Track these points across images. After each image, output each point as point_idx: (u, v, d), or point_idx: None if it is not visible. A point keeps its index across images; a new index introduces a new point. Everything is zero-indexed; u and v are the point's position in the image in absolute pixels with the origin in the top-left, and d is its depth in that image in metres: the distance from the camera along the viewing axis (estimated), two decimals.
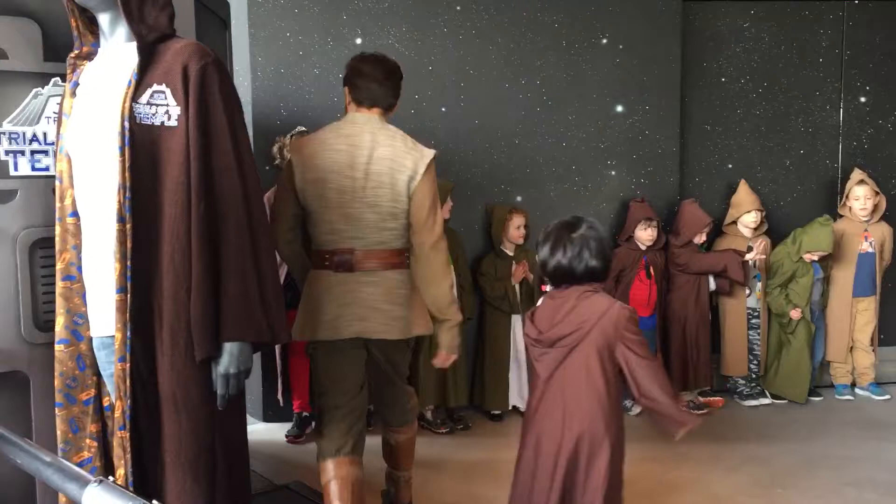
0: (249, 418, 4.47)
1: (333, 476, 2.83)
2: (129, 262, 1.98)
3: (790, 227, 5.15)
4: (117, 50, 2.11)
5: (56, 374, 2.16)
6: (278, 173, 3.80)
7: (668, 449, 3.98)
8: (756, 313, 5.09)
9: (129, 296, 1.98)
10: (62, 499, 2.18)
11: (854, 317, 5.21)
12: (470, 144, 4.86)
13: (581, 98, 5.00)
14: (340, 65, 4.60)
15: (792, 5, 5.37)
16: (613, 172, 5.08)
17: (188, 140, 1.99)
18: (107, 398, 2.20)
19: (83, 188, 2.10)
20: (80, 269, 2.16)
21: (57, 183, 2.18)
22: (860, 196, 5.11)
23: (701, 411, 4.83)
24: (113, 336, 2.02)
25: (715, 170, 5.40)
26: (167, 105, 2.00)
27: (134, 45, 2.03)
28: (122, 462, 2.03)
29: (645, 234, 4.84)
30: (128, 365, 1.99)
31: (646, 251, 4.86)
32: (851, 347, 5.26)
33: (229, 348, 2.03)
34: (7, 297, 2.32)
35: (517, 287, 4.70)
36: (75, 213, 2.16)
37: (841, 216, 5.28)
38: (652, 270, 4.85)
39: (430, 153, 2.91)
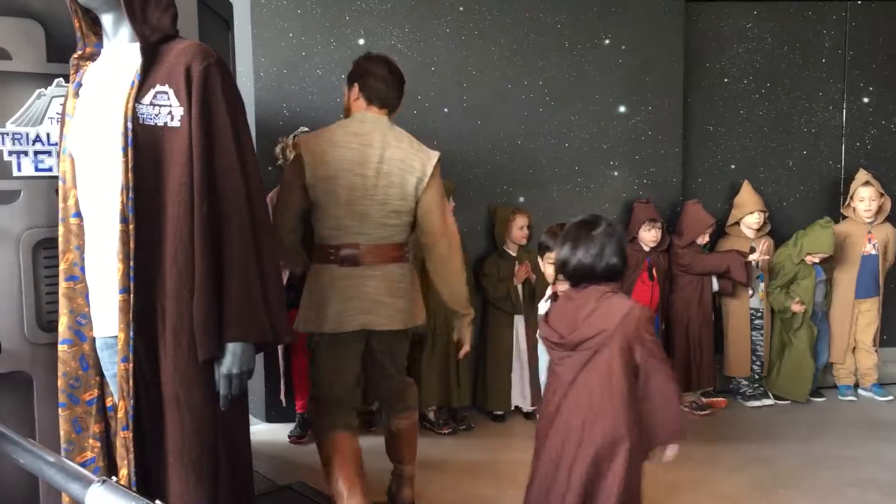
0: (252, 419, 4.47)
1: (336, 450, 2.98)
2: (132, 263, 1.98)
3: (793, 228, 5.15)
4: (120, 51, 2.11)
5: (59, 374, 2.17)
6: (281, 174, 3.80)
7: None
8: (759, 314, 5.09)
9: (131, 296, 1.99)
10: (65, 499, 2.19)
11: (857, 318, 5.21)
12: (472, 145, 4.86)
13: (583, 98, 5.00)
14: (343, 65, 4.62)
15: (795, 6, 5.37)
16: (616, 173, 5.08)
17: (191, 140, 2.00)
18: (110, 398, 2.21)
19: (86, 189, 2.11)
20: (83, 269, 2.17)
21: (60, 183, 2.19)
22: (865, 197, 5.10)
23: (704, 412, 4.83)
24: (116, 336, 2.02)
25: (717, 170, 5.40)
26: (170, 106, 2.01)
27: (137, 45, 2.04)
28: (125, 462, 2.04)
29: (649, 236, 4.84)
30: (131, 365, 2.00)
31: (649, 252, 4.86)
32: (854, 348, 5.26)
33: (232, 349, 2.03)
34: (10, 298, 2.32)
35: (520, 287, 4.70)
36: (78, 214, 2.16)
37: (845, 217, 5.27)
38: (654, 272, 4.85)
39: (435, 155, 3.01)
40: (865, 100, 5.47)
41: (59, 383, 2.17)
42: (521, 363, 4.72)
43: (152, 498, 1.28)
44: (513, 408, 4.80)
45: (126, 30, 2.10)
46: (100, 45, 2.20)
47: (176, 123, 2.01)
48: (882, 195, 5.13)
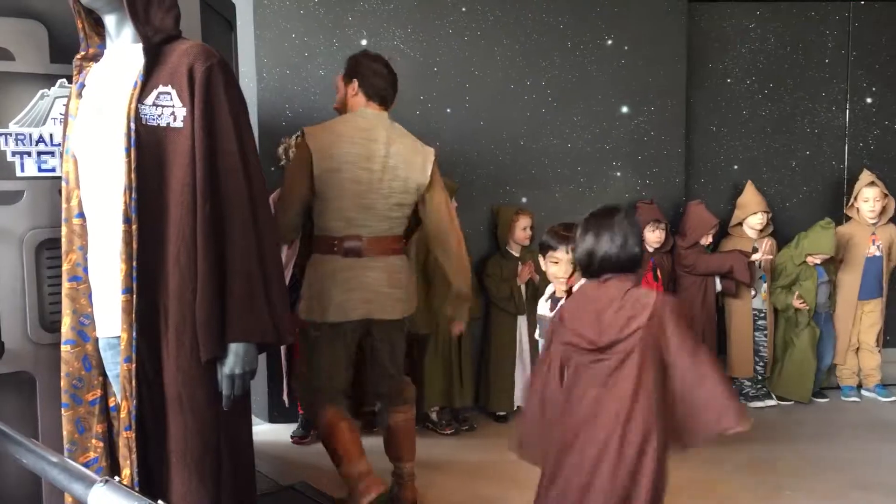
0: (255, 419, 4.47)
1: (338, 418, 3.14)
2: (134, 263, 1.98)
3: (796, 229, 5.14)
4: (123, 51, 2.12)
5: (62, 374, 2.17)
6: (283, 174, 3.80)
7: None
8: (762, 314, 5.08)
9: (134, 296, 1.99)
10: (68, 499, 2.19)
11: (860, 318, 5.20)
12: (475, 145, 4.86)
13: (586, 99, 4.99)
14: None
15: (798, 6, 5.36)
16: (619, 173, 5.08)
17: (194, 141, 2.00)
18: (113, 398, 2.21)
19: (89, 189, 2.11)
20: (86, 269, 2.17)
21: (63, 184, 2.19)
22: (870, 198, 5.08)
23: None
24: (119, 337, 2.03)
25: (720, 171, 5.40)
26: (173, 106, 2.01)
27: (140, 46, 2.04)
28: (128, 462, 2.04)
29: (653, 237, 4.84)
30: (133, 365, 2.00)
31: (653, 253, 4.86)
32: (858, 349, 5.25)
33: (235, 349, 2.03)
34: (13, 298, 2.33)
35: (523, 288, 4.70)
36: (81, 214, 2.17)
37: (848, 218, 5.27)
38: (659, 273, 4.84)
39: (431, 151, 3.17)
40: (868, 100, 5.46)
41: (62, 384, 2.17)
42: (523, 363, 4.72)
43: (155, 498, 1.28)
44: (515, 408, 4.79)
45: (129, 30, 2.10)
46: (103, 45, 2.20)
47: (179, 124, 2.01)
48: (886, 196, 5.12)
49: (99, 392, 2.21)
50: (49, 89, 2.36)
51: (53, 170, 2.36)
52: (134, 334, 2.00)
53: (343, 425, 3.14)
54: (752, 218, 5.03)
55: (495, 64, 4.86)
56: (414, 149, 3.13)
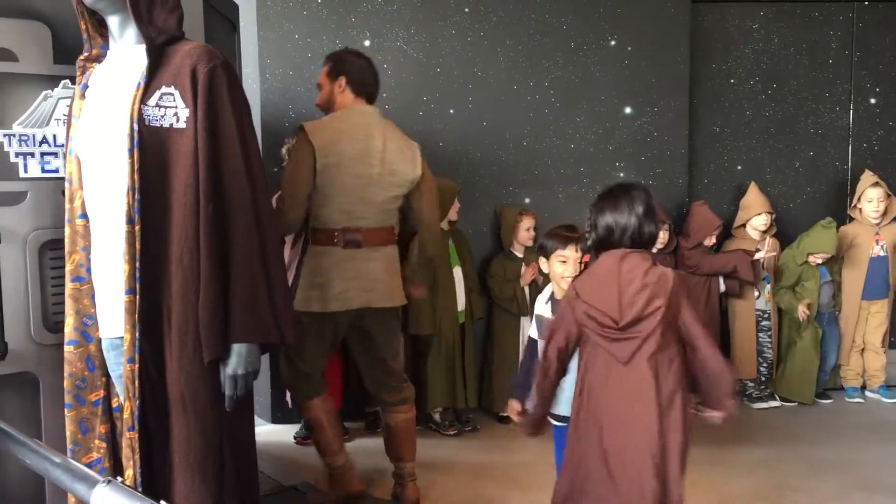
0: (258, 419, 4.48)
1: (322, 410, 3.35)
2: (137, 264, 1.99)
3: (799, 230, 5.13)
4: (126, 52, 2.12)
5: (65, 375, 2.17)
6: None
7: None
8: (766, 315, 5.07)
9: (137, 297, 1.99)
10: (71, 499, 2.19)
11: (866, 319, 5.19)
12: (478, 146, 4.87)
13: (589, 99, 4.99)
14: None
15: (801, 6, 5.36)
16: (622, 174, 5.07)
17: (197, 142, 2.00)
18: (116, 399, 2.21)
19: (92, 190, 2.11)
20: (89, 270, 2.17)
21: (66, 185, 2.19)
22: (874, 198, 5.07)
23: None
24: (122, 337, 2.03)
25: (724, 171, 5.39)
26: (176, 107, 2.01)
27: (143, 47, 2.04)
28: (131, 463, 2.04)
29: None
30: (136, 366, 2.00)
31: (656, 254, 4.84)
32: (863, 349, 5.24)
33: (237, 349, 2.03)
34: (17, 299, 2.33)
35: (526, 289, 4.70)
36: (85, 215, 2.17)
37: (852, 219, 5.26)
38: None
39: (416, 144, 3.33)
40: (872, 101, 5.45)
41: (66, 384, 2.18)
42: None
43: (157, 498, 1.28)
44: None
45: (132, 31, 2.10)
46: (106, 46, 2.20)
47: (182, 125, 2.01)
48: (889, 196, 5.11)
49: (102, 392, 2.21)
50: (52, 90, 2.37)
51: (57, 171, 2.36)
52: (137, 335, 2.00)
53: (325, 420, 3.35)
54: (756, 219, 5.02)
55: (498, 64, 4.86)
56: (405, 144, 3.26)
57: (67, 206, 2.19)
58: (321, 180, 3.04)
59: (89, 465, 2.15)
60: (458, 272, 4.58)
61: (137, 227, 1.98)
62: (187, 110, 2.01)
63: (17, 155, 2.33)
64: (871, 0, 5.39)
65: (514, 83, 4.89)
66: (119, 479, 1.36)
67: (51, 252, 2.36)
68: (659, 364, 2.36)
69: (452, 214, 4.55)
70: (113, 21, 2.12)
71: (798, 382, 5.05)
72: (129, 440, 2.04)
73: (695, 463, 3.97)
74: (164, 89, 2.02)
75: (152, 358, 2.02)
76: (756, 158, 5.39)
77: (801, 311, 4.95)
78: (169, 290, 2.02)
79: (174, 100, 2.01)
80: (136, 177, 1.98)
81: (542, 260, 2.95)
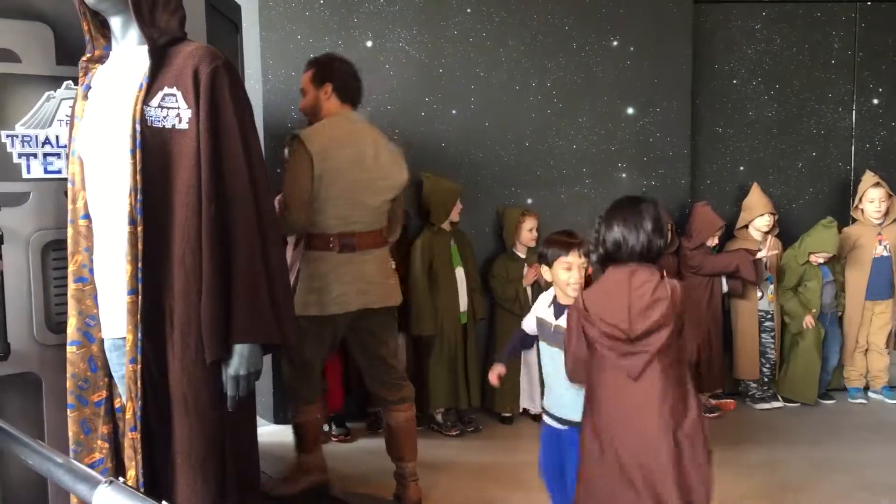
0: (260, 420, 4.48)
1: (313, 417, 3.49)
2: (140, 265, 1.99)
3: (802, 230, 5.12)
4: (129, 53, 2.12)
5: (68, 375, 2.18)
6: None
7: None
8: (769, 316, 5.06)
9: (140, 297, 1.99)
10: (73, 500, 2.19)
11: (871, 320, 5.18)
12: (480, 146, 4.87)
13: (592, 100, 4.99)
14: None
15: (804, 7, 5.35)
16: (624, 175, 5.07)
17: (199, 143, 2.00)
18: (118, 399, 2.21)
19: (95, 191, 2.12)
20: (91, 271, 2.17)
21: (69, 185, 2.20)
22: (875, 198, 5.07)
23: (712, 414, 4.82)
24: (124, 338, 2.03)
25: (726, 172, 5.39)
26: (178, 108, 2.01)
27: (145, 48, 2.04)
28: (133, 463, 2.04)
29: None
30: (139, 366, 2.00)
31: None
32: (866, 350, 5.23)
33: (239, 350, 2.03)
34: (20, 299, 2.33)
35: (528, 289, 4.70)
36: (87, 216, 2.17)
37: (854, 220, 5.25)
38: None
39: (400, 150, 3.42)
40: (875, 101, 5.45)
41: (68, 384, 2.18)
42: (528, 365, 4.72)
43: (159, 499, 1.28)
44: (521, 410, 4.79)
45: (134, 32, 2.10)
46: (108, 47, 2.21)
47: (184, 126, 2.01)
48: (891, 196, 5.10)
49: (104, 393, 2.21)
50: (55, 91, 2.37)
51: (59, 171, 2.37)
52: (139, 335, 2.00)
53: (315, 423, 3.51)
54: (759, 220, 5.01)
55: (500, 65, 4.86)
56: (392, 148, 3.37)
57: (70, 206, 2.19)
58: (318, 187, 3.09)
59: (92, 466, 2.15)
60: (460, 273, 4.59)
61: (140, 228, 1.98)
62: (189, 111, 2.01)
63: (19, 156, 2.34)
64: (873, 0, 5.38)
65: (516, 84, 4.89)
66: (121, 479, 1.36)
67: (53, 253, 2.37)
68: (668, 376, 2.37)
69: (454, 215, 4.55)
70: (115, 22, 2.12)
71: (801, 383, 5.04)
72: (131, 441, 2.04)
73: None
74: (166, 90, 2.02)
75: (154, 358, 2.02)
76: (758, 159, 5.39)
77: (808, 322, 4.94)
78: (171, 290, 2.02)
79: (176, 101, 2.01)
80: (138, 178, 1.98)
81: (545, 268, 2.92)
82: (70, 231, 2.19)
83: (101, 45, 2.22)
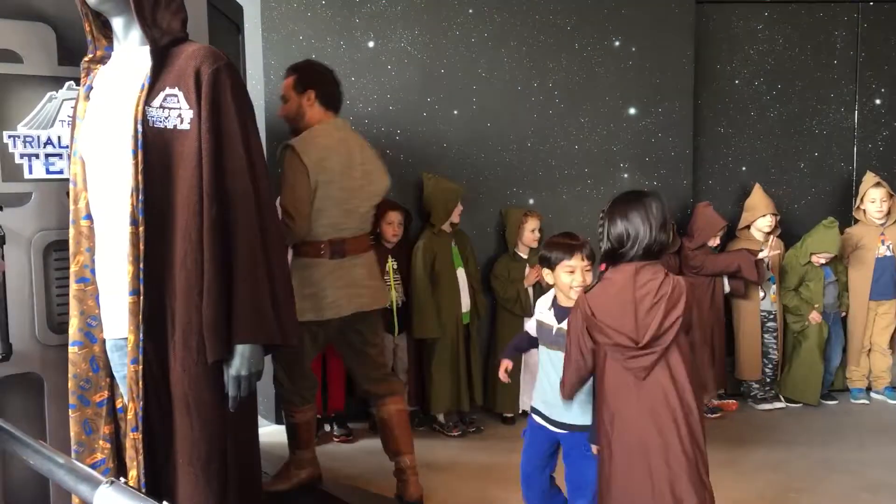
0: (261, 420, 4.49)
1: (310, 417, 3.54)
2: (141, 265, 1.99)
3: (804, 231, 5.12)
4: (130, 54, 2.12)
5: (70, 375, 2.18)
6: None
7: None
8: (771, 316, 5.06)
9: (141, 298, 1.99)
10: (75, 500, 2.20)
11: (874, 321, 5.17)
12: (482, 147, 4.86)
13: (594, 100, 4.99)
14: (354, 68, 4.65)
15: (806, 7, 5.34)
16: (626, 175, 5.07)
17: (200, 143, 2.00)
18: (120, 400, 2.22)
19: (97, 191, 2.12)
20: (93, 271, 2.17)
21: (71, 186, 2.20)
22: (876, 198, 5.07)
23: (714, 415, 4.81)
24: (126, 338, 2.03)
25: (728, 172, 5.38)
26: (180, 108, 2.01)
27: (147, 49, 2.04)
28: (135, 463, 2.05)
29: None
30: (140, 367, 2.01)
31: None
32: (869, 350, 5.22)
33: (241, 350, 2.03)
34: (21, 300, 2.34)
35: (530, 290, 4.69)
36: (89, 216, 2.17)
37: (856, 220, 5.24)
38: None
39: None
40: (877, 101, 5.44)
41: (70, 385, 2.18)
42: (529, 366, 4.71)
43: (160, 499, 1.28)
44: (521, 412, 4.79)
45: (136, 33, 2.11)
46: (110, 48, 2.21)
47: (185, 126, 2.01)
48: (892, 196, 5.09)
49: (106, 393, 2.21)
50: (57, 92, 2.37)
51: (61, 172, 2.37)
52: (141, 336, 2.00)
53: (309, 421, 3.53)
54: (761, 220, 5.01)
55: (502, 66, 4.86)
56: (374, 153, 3.43)
57: (72, 207, 2.20)
58: (313, 196, 3.14)
59: (93, 466, 2.15)
60: (461, 274, 4.58)
61: (141, 229, 1.99)
62: (191, 111, 2.01)
63: (21, 156, 2.34)
64: (876, 1, 5.37)
65: (518, 84, 4.89)
66: (122, 479, 1.36)
67: (55, 253, 2.37)
68: (676, 373, 2.36)
69: (455, 217, 4.55)
70: (117, 23, 2.12)
71: (803, 384, 5.04)
72: (132, 441, 2.04)
73: None
74: (167, 91, 2.02)
75: (156, 359, 2.03)
76: (761, 159, 5.38)
77: (814, 317, 4.94)
78: (172, 291, 2.02)
79: (178, 101, 2.01)
80: (139, 178, 1.98)
81: (546, 271, 2.91)
82: (72, 231, 2.19)
83: (103, 45, 2.22)
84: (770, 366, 5.06)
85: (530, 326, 3.05)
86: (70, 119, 2.29)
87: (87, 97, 2.18)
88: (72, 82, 2.36)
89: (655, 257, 2.43)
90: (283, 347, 2.18)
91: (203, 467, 2.04)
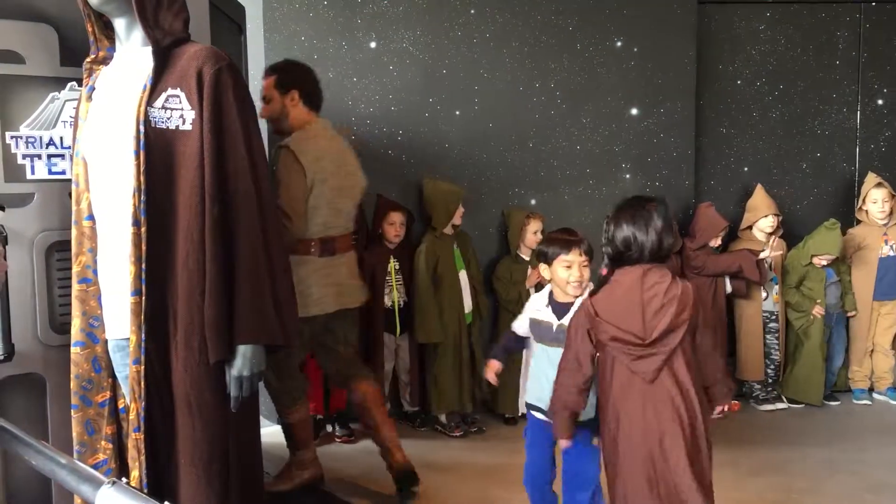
0: (263, 420, 4.47)
1: (304, 416, 3.57)
2: (143, 265, 1.99)
3: (806, 231, 5.11)
4: (133, 54, 2.13)
5: (72, 376, 2.18)
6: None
7: None
8: (773, 317, 5.05)
9: (143, 298, 2.00)
10: (77, 500, 2.20)
11: (877, 321, 5.16)
12: (484, 147, 4.86)
13: (595, 101, 4.99)
14: (355, 68, 4.65)
15: (808, 7, 5.34)
16: (628, 175, 5.07)
17: (202, 144, 2.00)
18: (122, 400, 2.22)
19: (99, 192, 2.12)
20: (95, 272, 2.18)
21: (73, 186, 2.20)
22: (878, 199, 5.06)
23: (716, 415, 4.80)
24: (128, 338, 2.03)
25: (730, 173, 5.38)
26: (182, 109, 2.02)
27: (149, 49, 2.05)
28: (137, 464, 2.05)
29: None
30: (142, 367, 2.01)
31: None
32: (871, 351, 5.21)
33: (243, 351, 2.03)
34: (24, 300, 2.34)
35: (532, 291, 4.69)
36: (91, 217, 2.18)
37: (859, 221, 5.24)
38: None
39: None
40: (880, 102, 5.43)
41: (72, 385, 2.18)
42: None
43: (162, 499, 1.28)
44: (521, 413, 4.78)
45: (138, 34, 2.11)
46: (112, 49, 2.21)
47: (187, 127, 2.02)
48: (894, 196, 5.09)
49: (108, 394, 2.22)
50: (59, 92, 2.38)
51: (64, 172, 2.37)
52: (143, 336, 2.00)
53: (304, 420, 3.58)
54: (763, 221, 5.00)
55: (504, 66, 4.86)
56: (353, 153, 3.52)
57: (74, 207, 2.20)
58: (307, 196, 3.20)
59: (95, 466, 2.16)
60: (463, 275, 4.58)
61: (143, 229, 1.99)
62: (193, 112, 2.02)
63: (24, 157, 2.34)
64: (878, 1, 5.37)
65: (519, 84, 4.88)
66: (124, 480, 1.36)
67: (57, 254, 2.37)
68: (682, 376, 2.36)
69: (456, 219, 4.54)
70: (119, 23, 2.13)
71: (805, 384, 5.03)
72: (135, 441, 2.05)
73: None
74: (170, 91, 2.02)
75: (158, 359, 2.03)
76: (763, 160, 5.38)
77: (817, 311, 4.93)
78: (175, 291, 2.02)
79: (180, 102, 2.02)
80: (142, 178, 1.98)
81: (543, 266, 2.92)
82: (74, 232, 2.20)
83: (105, 46, 2.22)
84: (772, 366, 5.05)
85: (518, 326, 3.05)
86: (72, 120, 2.29)
87: (90, 98, 2.18)
88: (74, 83, 2.36)
89: (662, 261, 2.44)
90: (285, 348, 2.18)
91: (205, 468, 2.04)
